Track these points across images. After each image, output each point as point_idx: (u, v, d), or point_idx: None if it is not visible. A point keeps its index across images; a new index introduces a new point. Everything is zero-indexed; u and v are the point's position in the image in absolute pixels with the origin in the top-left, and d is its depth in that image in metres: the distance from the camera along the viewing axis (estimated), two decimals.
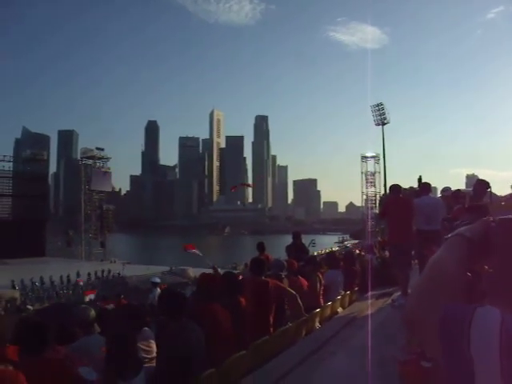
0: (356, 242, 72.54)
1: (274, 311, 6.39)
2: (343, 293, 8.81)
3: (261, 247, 11.05)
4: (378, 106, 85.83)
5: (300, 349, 5.46)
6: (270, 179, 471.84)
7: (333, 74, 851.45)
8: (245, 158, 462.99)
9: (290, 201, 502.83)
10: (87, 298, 22.39)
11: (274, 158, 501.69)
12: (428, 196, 9.07)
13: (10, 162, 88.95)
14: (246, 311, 5.75)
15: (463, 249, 1.25)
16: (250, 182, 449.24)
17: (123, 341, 4.19)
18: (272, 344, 5.57)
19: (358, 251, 19.55)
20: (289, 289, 6.84)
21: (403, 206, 8.61)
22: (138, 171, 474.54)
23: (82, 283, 48.64)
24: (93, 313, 5.42)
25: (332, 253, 10.65)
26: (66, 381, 3.99)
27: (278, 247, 21.86)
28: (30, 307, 36.31)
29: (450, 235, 1.32)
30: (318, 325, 7.23)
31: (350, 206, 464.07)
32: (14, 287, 46.49)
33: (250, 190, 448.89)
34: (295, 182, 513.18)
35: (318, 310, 7.31)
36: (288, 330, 6.22)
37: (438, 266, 1.19)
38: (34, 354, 4.00)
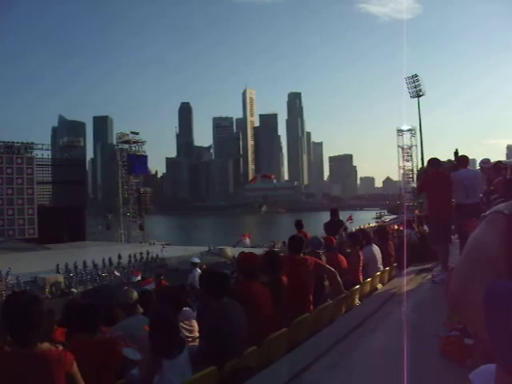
0: (394, 217, 71.97)
1: (314, 289, 6.39)
2: (382, 269, 8.76)
3: (298, 225, 11.05)
4: (412, 77, 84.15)
5: (340, 326, 5.46)
6: (305, 156, 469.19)
7: (365, 48, 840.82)
8: (279, 136, 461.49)
9: (326, 178, 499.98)
10: (136, 279, 22.64)
11: (309, 134, 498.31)
12: (466, 169, 8.90)
13: (48, 150, 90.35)
14: (286, 289, 5.76)
15: (503, 227, 1.22)
16: (285, 159, 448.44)
17: (166, 319, 4.26)
18: (312, 321, 5.59)
19: (396, 226, 19.40)
20: (328, 266, 6.82)
21: (442, 180, 8.47)
22: (173, 153, 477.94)
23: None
24: (135, 294, 5.50)
25: (363, 229, 10.54)
26: (112, 361, 4.08)
27: (315, 224, 21.87)
28: (74, 290, 37.07)
29: (487, 212, 1.30)
30: (357, 301, 7.21)
31: (387, 180, 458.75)
32: (58, 271, 47.48)
33: (285, 168, 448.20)
34: (331, 159, 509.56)
35: (357, 286, 7.29)
36: (328, 308, 6.22)
37: (478, 246, 1.16)
38: (83, 335, 4.10)
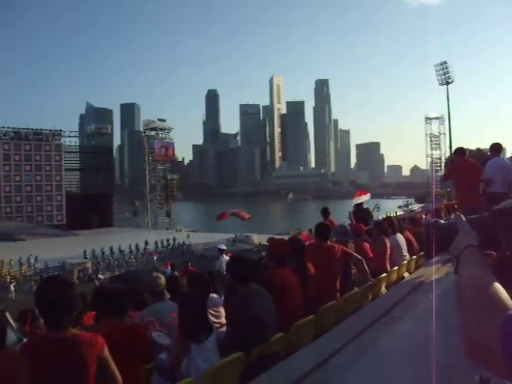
0: (421, 205, 71.31)
1: (341, 276, 6.39)
2: (408, 257, 8.72)
3: (325, 212, 11.03)
4: (441, 64, 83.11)
5: (366, 314, 5.46)
6: (332, 144, 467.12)
7: (394, 34, 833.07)
8: (306, 124, 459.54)
9: (353, 165, 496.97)
10: (168, 271, 22.89)
11: (336, 122, 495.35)
12: (501, 158, 8.79)
13: (75, 137, 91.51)
14: (312, 276, 5.77)
15: (480, 257, 1.22)
16: (312, 146, 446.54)
17: (195, 304, 4.32)
18: (338, 309, 5.60)
19: (423, 215, 19.23)
20: (355, 253, 6.82)
21: (469, 168, 8.40)
22: (200, 140, 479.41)
23: (155, 258, 49.49)
24: (163, 280, 5.57)
25: (389, 218, 10.45)
26: (142, 345, 4.14)
27: (342, 212, 21.77)
28: (101, 276, 37.56)
29: (459, 252, 1.29)
30: (384, 290, 7.20)
31: (415, 169, 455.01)
32: (85, 257, 48.10)
33: (312, 156, 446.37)
34: (358, 146, 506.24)
35: (384, 274, 7.27)
36: (354, 295, 6.23)
37: (470, 287, 1.13)
38: (112, 319, 4.17)
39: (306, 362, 3.36)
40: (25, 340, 4.71)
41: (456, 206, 11.92)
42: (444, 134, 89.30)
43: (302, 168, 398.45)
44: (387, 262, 8.08)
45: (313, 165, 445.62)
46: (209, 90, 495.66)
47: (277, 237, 9.98)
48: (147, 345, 4.23)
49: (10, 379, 2.76)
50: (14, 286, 41.25)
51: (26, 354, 3.05)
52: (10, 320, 5.12)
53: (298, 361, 3.53)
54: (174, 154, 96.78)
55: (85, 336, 3.14)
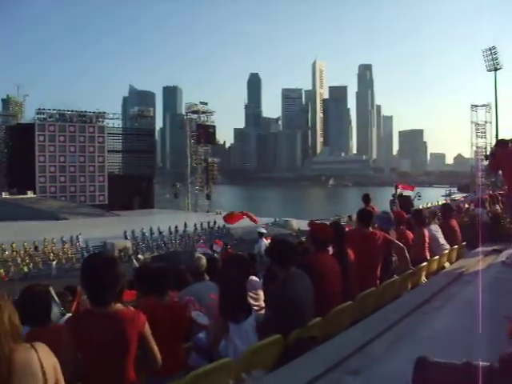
0: (464, 195, 70.09)
1: (381, 263, 6.35)
2: (448, 247, 8.60)
3: (366, 199, 10.94)
4: (490, 50, 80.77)
5: (405, 302, 5.43)
6: (374, 130, 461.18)
7: (439, 19, 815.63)
8: (348, 109, 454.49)
9: (395, 152, 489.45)
10: (218, 249, 23.00)
11: (379, 108, 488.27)
12: None
13: (118, 119, 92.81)
14: (352, 262, 5.75)
15: None
16: (354, 132, 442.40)
17: (235, 284, 4.36)
18: (378, 296, 5.57)
19: (467, 205, 18.93)
20: (397, 241, 6.76)
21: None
22: (241, 124, 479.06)
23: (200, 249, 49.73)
24: (204, 261, 5.61)
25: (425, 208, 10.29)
26: (181, 323, 4.20)
27: (382, 199, 21.55)
28: (140, 256, 38.16)
29: None
30: (424, 279, 7.13)
31: (459, 157, 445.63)
32: (126, 238, 48.83)
33: (354, 141, 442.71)
34: (401, 133, 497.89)
35: (424, 263, 7.20)
36: (394, 283, 6.19)
37: None
38: (152, 297, 4.24)
39: (343, 347, 3.36)
40: (68, 315, 4.84)
41: (500, 197, 11.72)
42: (490, 123, 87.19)
43: (343, 154, 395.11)
44: (426, 252, 7.98)
45: (354, 151, 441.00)
46: (251, 74, 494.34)
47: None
48: (186, 323, 4.30)
49: (55, 352, 2.83)
50: (56, 263, 42.25)
51: (70, 328, 3.13)
52: (54, 295, 5.23)
53: (335, 346, 3.53)
54: (215, 137, 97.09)
55: (127, 312, 3.21)
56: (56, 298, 5.24)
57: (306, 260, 5.20)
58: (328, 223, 6.69)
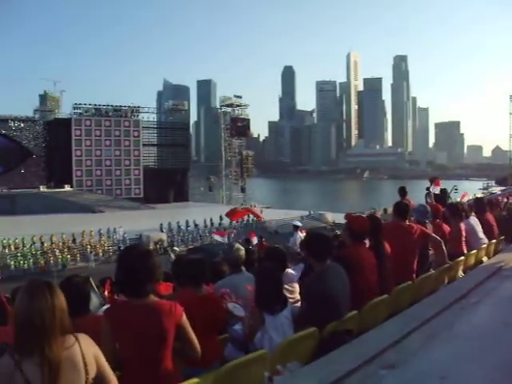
0: (502, 188, 68.86)
1: (418, 257, 6.28)
2: (485, 241, 8.47)
3: (402, 192, 10.84)
4: None
5: (442, 296, 5.38)
6: (410, 122, 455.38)
7: (474, 7, 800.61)
8: (383, 101, 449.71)
9: (431, 145, 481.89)
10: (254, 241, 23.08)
11: (414, 99, 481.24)
12: None
13: (153, 113, 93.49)
14: (389, 255, 5.71)
15: None
16: (389, 124, 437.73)
17: (272, 275, 4.39)
18: (414, 290, 5.54)
19: (505, 199, 18.63)
20: (434, 235, 6.67)
21: None
22: (275, 117, 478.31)
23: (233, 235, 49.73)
24: (243, 252, 5.62)
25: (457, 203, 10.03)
26: (217, 316, 4.24)
27: (418, 192, 21.34)
28: (176, 249, 38.44)
29: None
30: (461, 273, 7.04)
31: (496, 150, 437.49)
32: (161, 230, 49.26)
33: (389, 134, 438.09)
34: (437, 125, 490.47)
35: (461, 258, 7.11)
36: (430, 277, 6.13)
37: None
38: (189, 289, 4.29)
39: (378, 341, 3.35)
40: (107, 306, 4.94)
41: None
42: None
43: (378, 146, 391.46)
44: (463, 246, 7.88)
45: (389, 143, 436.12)
46: (285, 67, 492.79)
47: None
48: (222, 315, 4.34)
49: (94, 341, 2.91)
50: (94, 255, 42.94)
51: (109, 318, 3.20)
52: (94, 286, 5.34)
53: (370, 340, 3.52)
54: (249, 130, 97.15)
55: (164, 304, 3.26)
56: (96, 289, 5.35)
57: (343, 253, 5.19)
58: (364, 216, 6.61)
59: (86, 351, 2.55)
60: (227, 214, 24.70)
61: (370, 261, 5.18)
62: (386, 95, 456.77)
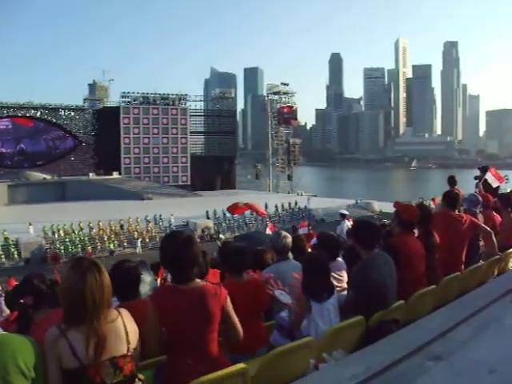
0: None
1: (467, 248, 6.18)
2: None
3: (452, 181, 10.68)
4: None
5: (491, 289, 5.28)
6: (459, 110, 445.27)
7: None
8: (433, 88, 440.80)
9: (481, 133, 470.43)
10: (303, 231, 23.08)
11: (465, 87, 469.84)
12: None
13: (200, 101, 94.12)
14: (437, 245, 5.62)
15: None
16: (438, 112, 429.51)
17: (320, 263, 4.40)
18: (462, 281, 5.46)
19: None
20: (484, 225, 6.54)
21: None
22: (323, 105, 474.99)
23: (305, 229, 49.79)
24: (290, 240, 5.61)
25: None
26: (260, 301, 4.28)
27: (467, 182, 20.95)
28: (222, 236, 38.69)
29: None
30: (511, 265, 6.91)
31: None
32: (208, 217, 49.62)
33: (438, 122, 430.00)
34: (488, 113, 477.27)
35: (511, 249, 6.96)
36: (479, 269, 6.03)
37: None
38: (233, 276, 4.34)
39: (425, 332, 3.32)
40: None
41: None
42: None
43: (427, 135, 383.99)
44: None
45: (439, 132, 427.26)
46: (332, 54, 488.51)
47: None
48: (265, 300, 4.37)
49: (141, 326, 3.00)
50: (141, 241, 43.62)
51: (156, 303, 3.26)
52: (150, 270, 5.44)
53: (417, 330, 3.49)
54: (296, 118, 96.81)
55: (210, 287, 3.32)
56: (151, 274, 5.46)
57: (392, 242, 5.15)
58: (414, 204, 6.52)
59: (127, 324, 2.79)
60: (228, 208, 24.57)
61: (419, 250, 5.12)
62: (436, 82, 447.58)
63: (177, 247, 3.27)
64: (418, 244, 5.20)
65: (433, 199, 24.67)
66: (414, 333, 3.49)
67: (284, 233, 5.74)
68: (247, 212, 52.49)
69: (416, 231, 5.51)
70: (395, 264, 4.51)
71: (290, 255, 5.62)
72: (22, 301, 4.77)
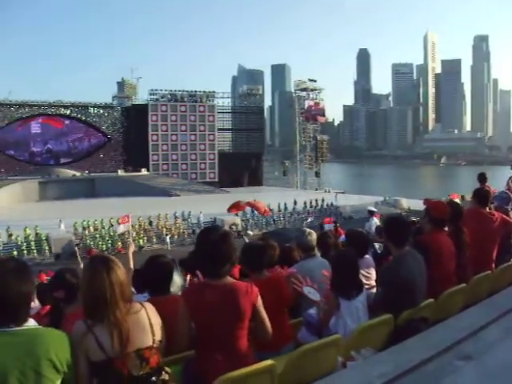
0: None
1: (498, 246, 6.08)
2: None
3: (482, 178, 10.55)
4: None
5: None
6: (490, 105, 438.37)
7: None
8: (463, 84, 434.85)
9: None
10: (305, 224, 23.14)
11: (496, 81, 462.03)
12: None
13: (228, 98, 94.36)
14: (468, 243, 5.55)
15: None
16: (468, 108, 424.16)
17: (349, 260, 4.39)
18: (493, 280, 5.38)
19: None
20: None
21: None
22: (350, 101, 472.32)
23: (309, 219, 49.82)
24: (315, 236, 5.59)
25: None
26: (282, 296, 4.27)
27: (498, 179, 20.68)
28: (250, 232, 38.81)
29: None
30: None
31: None
32: (236, 214, 49.75)
33: (468, 118, 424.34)
34: None
35: None
36: (511, 267, 5.96)
37: None
38: (255, 273, 4.35)
39: (455, 331, 3.29)
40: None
41: None
42: None
43: (456, 131, 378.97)
44: None
45: (468, 128, 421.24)
46: (360, 49, 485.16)
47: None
48: (288, 295, 4.35)
49: (172, 321, 3.04)
50: (170, 238, 43.96)
51: (187, 299, 3.29)
52: (178, 267, 5.46)
53: (447, 329, 3.46)
54: (324, 114, 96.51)
55: (241, 284, 3.33)
56: (180, 270, 5.49)
57: (422, 239, 5.08)
58: (444, 201, 6.44)
59: (151, 317, 2.87)
60: (229, 209, 24.45)
61: (450, 248, 5.05)
62: (465, 77, 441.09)
63: (212, 243, 3.27)
64: (449, 242, 5.12)
65: (462, 196, 24.39)
66: (444, 332, 3.46)
67: (308, 230, 5.72)
68: (275, 209, 52.69)
69: (447, 228, 5.44)
70: (425, 262, 4.46)
71: (317, 252, 5.61)
72: (54, 294, 4.84)
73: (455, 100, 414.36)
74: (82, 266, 7.60)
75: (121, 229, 22.13)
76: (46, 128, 79.92)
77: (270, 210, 51.76)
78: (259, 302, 3.37)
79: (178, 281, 4.90)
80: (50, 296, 5.81)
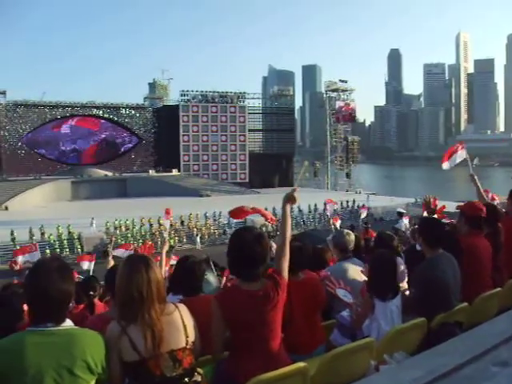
0: None
1: None
2: None
3: None
4: None
5: None
6: None
7: None
8: (496, 84, 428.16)
9: None
10: (332, 226, 23.09)
11: None
12: None
13: (259, 99, 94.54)
14: (503, 246, 5.41)
15: None
16: (501, 109, 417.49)
17: (387, 262, 4.35)
18: None
19: None
20: None
21: None
22: (381, 101, 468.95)
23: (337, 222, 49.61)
24: (353, 237, 5.57)
25: None
26: (316, 299, 4.25)
27: None
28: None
29: None
30: None
31: None
32: (244, 220, 49.80)
33: (501, 118, 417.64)
34: None
35: None
36: None
37: None
38: (293, 274, 4.36)
39: (490, 336, 3.25)
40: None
41: None
42: None
43: (489, 132, 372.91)
44: None
45: (502, 129, 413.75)
46: (391, 50, 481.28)
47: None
48: (322, 297, 4.33)
49: (204, 321, 3.06)
50: (200, 238, 44.16)
51: (221, 301, 3.26)
52: (213, 267, 5.49)
53: (482, 334, 3.42)
54: (355, 115, 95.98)
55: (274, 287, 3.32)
56: (214, 271, 5.51)
57: (458, 242, 4.99)
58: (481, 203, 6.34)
59: (185, 318, 2.88)
60: (231, 212, 24.29)
61: (486, 251, 4.98)
62: (499, 77, 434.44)
63: (246, 244, 3.23)
64: (486, 244, 5.03)
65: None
66: (479, 336, 3.42)
67: (346, 230, 5.70)
68: (305, 210, 52.52)
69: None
70: (460, 264, 4.42)
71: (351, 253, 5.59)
72: (91, 293, 4.91)
73: (488, 100, 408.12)
74: (111, 263, 7.69)
75: (85, 265, 21.61)
76: (77, 128, 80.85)
77: (300, 210, 51.66)
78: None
79: (212, 281, 4.94)
80: (87, 295, 5.90)
